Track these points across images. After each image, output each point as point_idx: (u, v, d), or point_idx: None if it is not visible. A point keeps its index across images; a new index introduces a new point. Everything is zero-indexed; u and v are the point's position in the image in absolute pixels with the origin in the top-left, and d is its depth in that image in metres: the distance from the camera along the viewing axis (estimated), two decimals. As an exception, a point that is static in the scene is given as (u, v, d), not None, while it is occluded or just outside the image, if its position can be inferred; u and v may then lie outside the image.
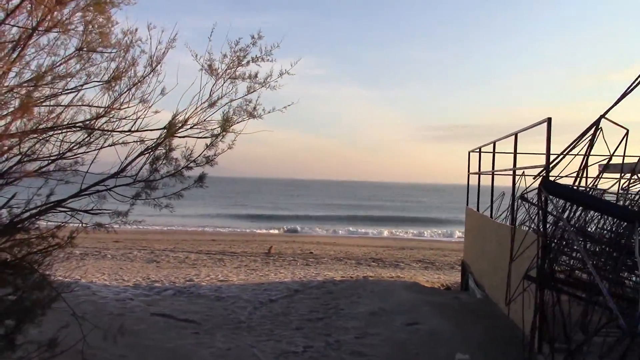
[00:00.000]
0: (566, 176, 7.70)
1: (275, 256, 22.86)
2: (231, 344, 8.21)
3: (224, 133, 5.16)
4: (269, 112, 5.20)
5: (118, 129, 5.03)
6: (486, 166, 14.05)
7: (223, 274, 16.68)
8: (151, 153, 5.06)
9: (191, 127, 5.12)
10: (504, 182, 13.25)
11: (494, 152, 11.85)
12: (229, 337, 8.57)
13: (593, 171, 8.44)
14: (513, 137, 10.15)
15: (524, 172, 10.62)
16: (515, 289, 7.89)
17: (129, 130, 5.04)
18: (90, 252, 22.22)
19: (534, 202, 8.33)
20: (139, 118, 5.01)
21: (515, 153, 9.92)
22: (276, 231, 42.33)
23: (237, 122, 5.20)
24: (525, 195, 7.83)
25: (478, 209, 13.86)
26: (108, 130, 5.01)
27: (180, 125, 5.01)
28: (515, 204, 11.65)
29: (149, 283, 14.26)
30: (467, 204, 15.80)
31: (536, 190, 8.92)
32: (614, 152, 6.93)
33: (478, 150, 13.84)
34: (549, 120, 7.85)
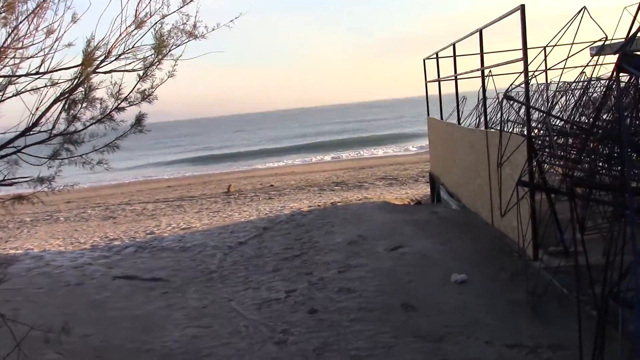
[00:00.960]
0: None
1: (236, 194, 21.97)
2: (206, 300, 7.38)
3: (160, 58, 4.11)
4: (213, 30, 4.17)
5: (22, 73, 3.93)
6: (443, 73, 13.22)
7: (185, 220, 15.74)
8: (67, 97, 3.98)
9: (117, 58, 4.04)
10: (461, 88, 12.49)
11: (454, 56, 10.97)
12: (202, 293, 7.73)
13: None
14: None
15: (490, 71, 9.84)
16: (508, 198, 7.22)
17: (37, 73, 3.94)
18: (42, 217, 20.94)
19: (520, 101, 7.52)
20: (47, 55, 3.91)
21: (482, 53, 9.04)
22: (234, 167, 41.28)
23: (176, 46, 4.16)
24: (509, 93, 7.05)
25: (442, 118, 13.12)
26: (8, 76, 3.91)
27: (103, 57, 3.95)
28: (488, 105, 10.96)
29: (107, 242, 13.26)
30: (428, 114, 15.05)
31: (516, 89, 8.16)
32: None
33: (435, 56, 12.95)
34: (522, 7, 6.97)
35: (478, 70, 9.29)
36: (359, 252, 8.62)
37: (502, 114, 8.07)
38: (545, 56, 10.38)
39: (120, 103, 4.06)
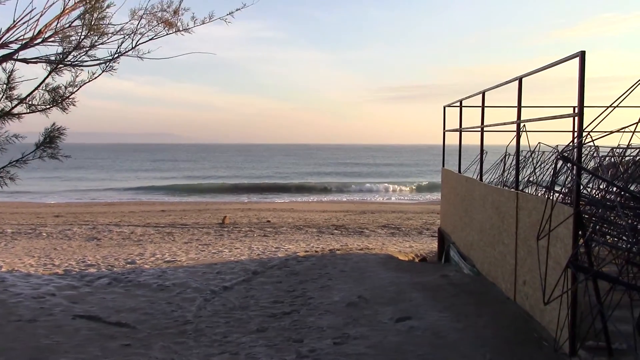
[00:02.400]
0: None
1: (230, 227, 20.66)
2: (172, 362, 6.05)
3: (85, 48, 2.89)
4: (204, 23, 3.01)
5: None
6: (465, 124, 12.06)
7: (171, 251, 14.42)
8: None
9: (42, 41, 2.85)
10: (476, 141, 11.33)
11: (483, 106, 9.80)
12: (168, 351, 6.37)
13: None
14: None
15: (525, 125, 8.64)
16: (548, 278, 5.93)
17: None
18: (25, 230, 19.61)
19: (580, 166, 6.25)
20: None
21: (519, 106, 7.84)
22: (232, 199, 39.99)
23: (146, 40, 2.99)
24: (567, 154, 5.82)
25: (460, 171, 11.90)
26: None
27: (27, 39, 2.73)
28: (536, 164, 9.72)
29: (82, 268, 11.92)
30: (443, 165, 13.84)
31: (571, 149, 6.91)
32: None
33: (458, 104, 11.80)
34: (582, 53, 5.80)
35: (513, 123, 8.08)
36: (359, 318, 7.29)
37: (554, 177, 6.80)
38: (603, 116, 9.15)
39: (15, 106, 2.81)
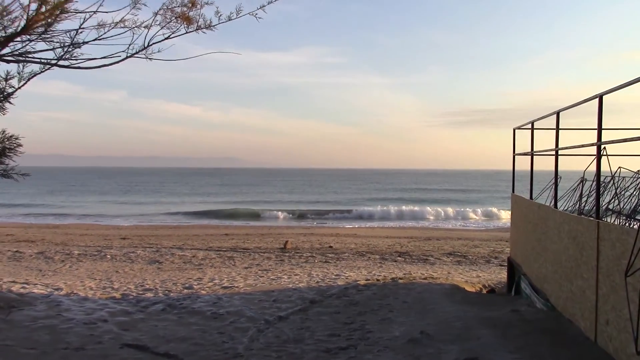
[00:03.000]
0: None
1: (292, 252, 20.25)
2: (217, 400, 5.58)
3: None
4: (230, 19, 2.59)
5: None
6: (525, 147, 11.21)
7: (230, 277, 14.10)
8: None
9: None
10: (547, 166, 10.56)
11: (557, 128, 9.05)
12: (215, 388, 5.93)
13: None
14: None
15: (605, 148, 7.85)
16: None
17: None
18: (90, 252, 19.79)
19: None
20: None
21: (600, 127, 7.07)
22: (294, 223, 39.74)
23: (160, 40, 2.57)
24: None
25: (531, 197, 11.08)
26: None
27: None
28: (617, 191, 8.86)
29: (139, 293, 11.72)
30: (513, 191, 13.01)
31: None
32: None
33: (530, 126, 11.02)
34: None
35: (592, 145, 7.32)
36: (421, 357, 6.63)
37: (638, 205, 6.03)
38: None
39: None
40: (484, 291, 12.87)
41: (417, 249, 21.76)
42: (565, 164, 11.26)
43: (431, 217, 44.46)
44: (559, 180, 11.33)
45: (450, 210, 51.26)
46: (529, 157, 11.21)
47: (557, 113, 8.95)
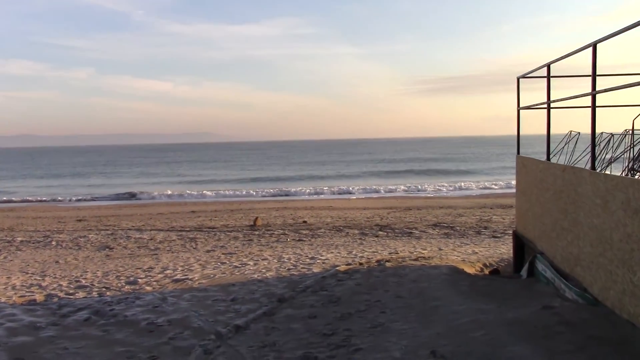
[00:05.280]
0: None
1: (262, 229, 17.80)
2: None
3: None
4: None
5: None
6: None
7: (187, 264, 11.62)
8: None
9: None
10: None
11: (594, 76, 6.63)
12: None
13: None
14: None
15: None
16: None
17: None
18: (36, 238, 17.11)
19: None
20: None
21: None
22: (266, 194, 37.21)
23: None
24: None
25: (548, 158, 8.70)
26: None
27: None
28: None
29: (68, 293, 9.19)
30: (518, 152, 10.65)
31: None
32: None
33: (545, 71, 8.58)
34: None
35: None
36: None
37: None
38: None
39: None
40: (486, 271, 10.59)
41: (398, 220, 19.45)
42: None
43: (406, 186, 42.25)
44: (577, 137, 9.08)
45: (424, 175, 49.21)
46: (540, 110, 8.83)
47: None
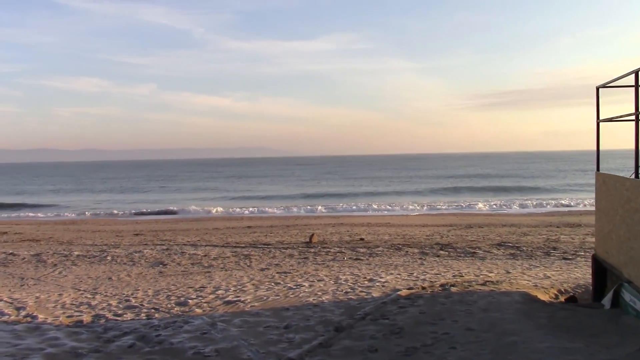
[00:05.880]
0: None
1: (318, 247, 17.17)
2: None
3: None
4: None
5: None
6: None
7: (239, 284, 11.08)
8: None
9: None
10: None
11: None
12: None
13: None
14: None
15: None
16: None
17: None
18: (92, 253, 16.99)
19: None
20: None
21: None
22: (322, 210, 36.62)
23: None
24: None
25: (637, 175, 7.74)
26: None
27: None
28: None
29: (117, 314, 8.78)
30: (598, 169, 9.66)
31: None
32: None
33: (633, 79, 7.66)
34: None
35: None
36: None
37: None
38: None
39: None
40: (561, 298, 9.61)
41: (460, 239, 18.48)
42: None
43: (465, 203, 40.89)
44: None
45: (484, 192, 47.70)
46: (634, 122, 7.88)
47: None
